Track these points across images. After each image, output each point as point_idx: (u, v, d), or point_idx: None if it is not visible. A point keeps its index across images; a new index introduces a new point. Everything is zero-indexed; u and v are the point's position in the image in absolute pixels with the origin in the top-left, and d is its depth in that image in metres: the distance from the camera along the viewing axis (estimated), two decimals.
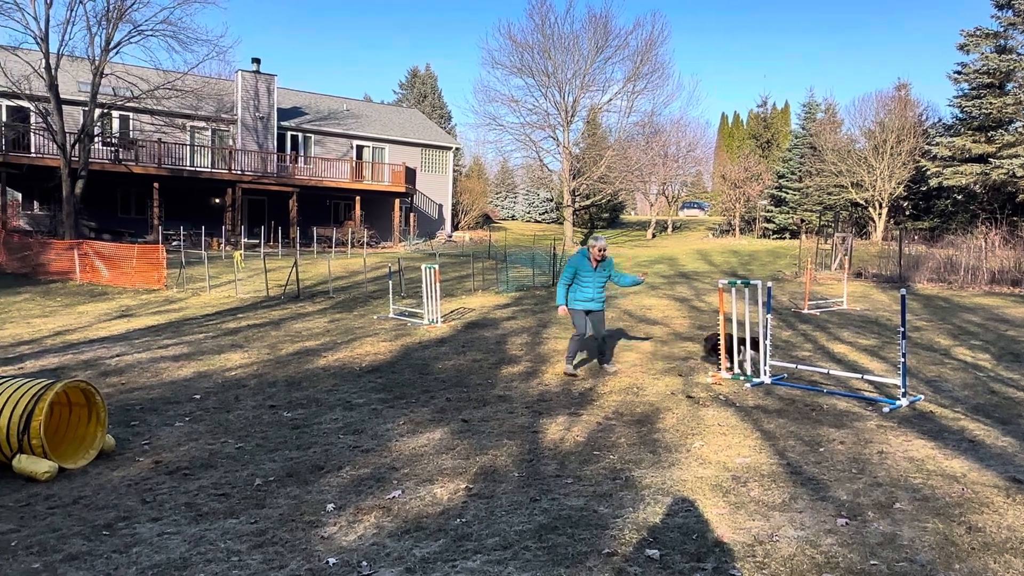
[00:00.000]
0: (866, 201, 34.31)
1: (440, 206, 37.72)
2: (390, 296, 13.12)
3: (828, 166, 34.95)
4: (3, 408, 4.69)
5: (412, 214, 35.06)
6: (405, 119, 40.03)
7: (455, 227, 39.91)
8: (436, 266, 11.42)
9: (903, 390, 6.33)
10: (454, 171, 40.02)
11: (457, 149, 42.86)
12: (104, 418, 5.18)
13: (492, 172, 58.28)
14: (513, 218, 52.73)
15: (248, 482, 4.61)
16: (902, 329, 6.38)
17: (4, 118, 25.01)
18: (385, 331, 10.78)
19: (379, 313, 12.68)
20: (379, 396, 6.93)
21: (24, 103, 22.72)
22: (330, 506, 4.18)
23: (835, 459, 4.87)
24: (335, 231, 29.18)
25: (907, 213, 34.99)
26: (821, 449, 5.10)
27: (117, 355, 9.01)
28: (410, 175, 32.70)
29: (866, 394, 6.74)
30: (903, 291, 6.72)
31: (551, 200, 51.14)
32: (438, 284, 11.36)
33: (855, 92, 79.17)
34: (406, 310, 12.57)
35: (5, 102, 24.54)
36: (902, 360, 6.35)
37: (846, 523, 3.77)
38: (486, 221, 46.20)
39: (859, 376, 7.27)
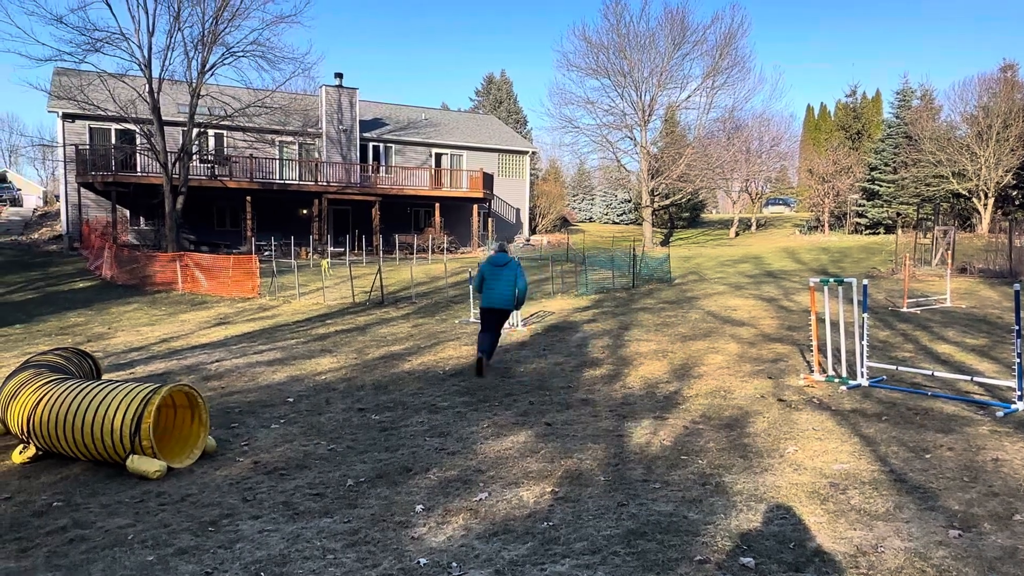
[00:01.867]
0: (969, 191, 32.17)
1: (517, 210, 37.93)
2: (471, 301, 13.28)
3: (926, 156, 32.99)
4: (116, 411, 5.02)
5: (490, 219, 35.41)
6: (481, 125, 40.51)
7: (533, 230, 40.03)
8: None
9: (1019, 393, 5.88)
10: (531, 175, 40.17)
11: (533, 153, 43.00)
12: (206, 420, 5.46)
13: (569, 175, 58.15)
14: (591, 220, 52.40)
15: (341, 483, 4.76)
16: (1017, 327, 5.93)
17: (114, 141, 26.91)
18: (467, 335, 10.92)
19: (460, 318, 12.85)
20: (463, 399, 7.01)
21: (131, 126, 24.37)
22: (419, 507, 4.25)
23: (944, 466, 4.57)
24: (416, 238, 29.83)
25: (1017, 203, 32.56)
26: (927, 456, 4.80)
27: (216, 360, 9.50)
28: (487, 181, 33.05)
29: (976, 397, 6.31)
30: (1017, 286, 6.24)
31: (629, 201, 50.51)
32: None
33: (954, 76, 74.54)
34: None
35: (114, 126, 26.40)
36: (1017, 360, 5.90)
37: (959, 535, 3.53)
38: (563, 224, 46.11)
39: (968, 378, 6.82)
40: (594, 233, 42.93)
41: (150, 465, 4.91)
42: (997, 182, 30.95)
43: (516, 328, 11.16)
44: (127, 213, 27.70)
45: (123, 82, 22.60)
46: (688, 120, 42.69)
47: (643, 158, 37.58)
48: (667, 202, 42.12)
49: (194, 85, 23.08)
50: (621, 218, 51.47)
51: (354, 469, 5.04)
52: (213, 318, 14.13)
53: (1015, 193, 32.43)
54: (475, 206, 33.13)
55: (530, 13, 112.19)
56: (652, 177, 37.83)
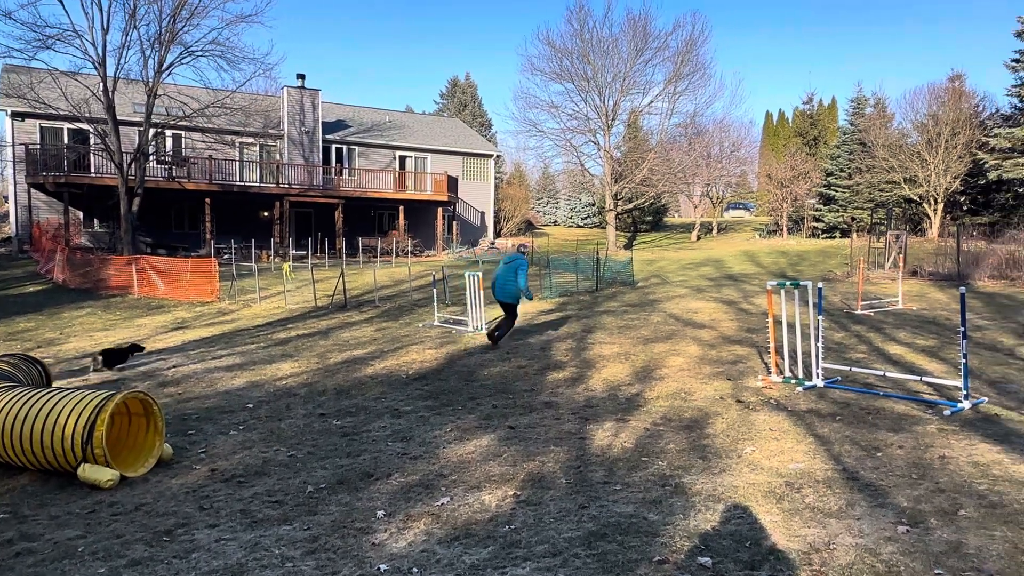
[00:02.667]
0: (920, 197, 33.21)
1: (482, 213, 37.92)
2: (435, 304, 13.24)
3: (879, 162, 33.97)
4: (68, 419, 4.88)
5: (455, 222, 35.33)
6: (446, 128, 40.42)
7: (497, 234, 40.06)
8: (479, 273, 11.48)
9: (965, 392, 6.10)
10: (495, 178, 40.20)
11: (498, 156, 43.07)
12: (162, 427, 5.35)
13: (533, 178, 58.34)
14: (555, 224, 52.65)
15: (300, 489, 4.70)
16: (962, 328, 6.14)
17: (66, 141, 26.14)
18: (431, 339, 10.88)
19: (424, 321, 12.80)
20: (426, 403, 6.99)
21: (84, 126, 23.69)
22: (380, 513, 4.22)
23: (893, 464, 4.71)
24: (380, 241, 29.61)
25: (964, 208, 33.73)
26: (879, 454, 4.94)
27: (174, 366, 9.30)
28: (452, 184, 32.98)
29: (925, 397, 6.51)
30: (962, 289, 6.47)
31: (593, 205, 50.89)
32: (482, 291, 11.42)
33: (905, 85, 76.76)
34: (451, 318, 12.66)
35: (67, 125, 25.63)
36: (963, 361, 6.12)
37: (907, 530, 3.65)
38: (528, 227, 46.25)
39: (917, 378, 7.03)
40: (558, 236, 43.14)
41: (102, 474, 4.78)
42: (946, 188, 32.01)
43: (480, 331, 11.16)
44: (80, 215, 26.93)
45: (76, 80, 21.99)
46: (651, 125, 43.30)
47: (607, 162, 37.92)
48: (630, 206, 42.56)
49: (151, 84, 22.56)
50: (585, 221, 51.84)
51: (314, 475, 4.98)
52: (170, 323, 13.82)
53: (962, 199, 33.58)
54: (439, 209, 33.03)
55: (495, 16, 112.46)
56: (615, 181, 38.19)
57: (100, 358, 9.11)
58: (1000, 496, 4.06)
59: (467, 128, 43.20)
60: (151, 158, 24.68)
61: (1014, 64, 28.85)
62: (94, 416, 4.85)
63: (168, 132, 26.79)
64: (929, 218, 32.96)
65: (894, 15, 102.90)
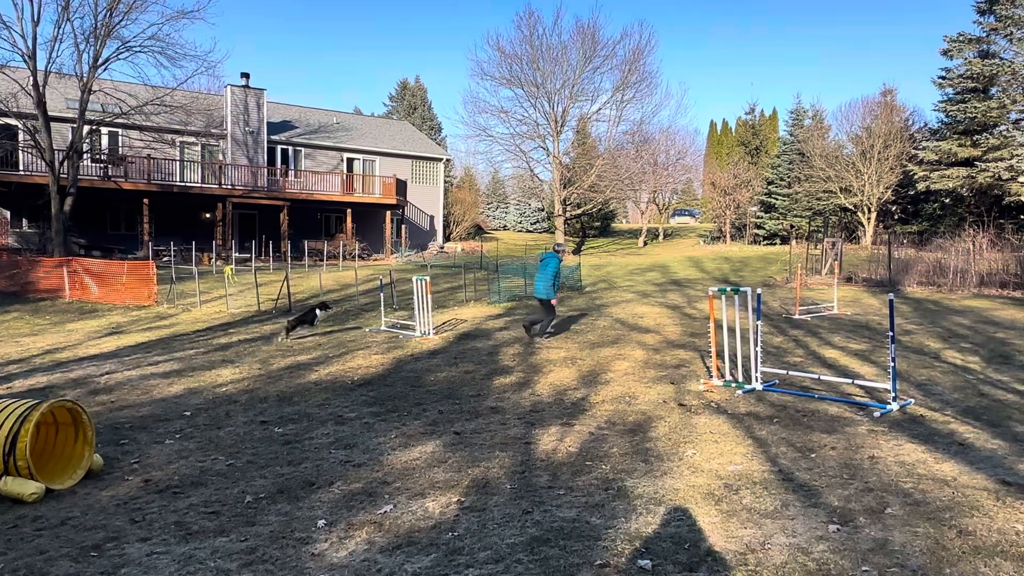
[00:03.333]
0: (855, 206, 34.53)
1: (431, 217, 37.73)
2: (382, 309, 13.10)
3: (817, 172, 35.20)
4: None
5: (403, 226, 35.05)
6: (395, 131, 40.09)
7: (447, 238, 39.91)
8: (427, 278, 11.41)
9: (893, 394, 6.36)
10: (445, 182, 40.07)
11: (448, 160, 42.93)
12: (92, 437, 5.13)
13: (483, 183, 58.35)
14: (505, 228, 52.77)
15: (238, 499, 4.58)
16: (891, 333, 6.41)
17: None
18: (377, 344, 10.76)
19: (371, 326, 12.65)
20: (371, 410, 6.90)
21: (12, 121, 22.64)
22: (321, 522, 4.15)
23: (826, 465, 4.88)
24: (326, 244, 29.14)
25: (896, 217, 35.24)
26: (813, 455, 5.11)
27: (107, 373, 8.95)
28: (401, 187, 32.73)
29: (857, 399, 6.76)
30: (891, 295, 6.76)
31: (542, 210, 51.22)
32: (430, 296, 11.35)
33: (842, 98, 79.88)
34: (398, 322, 12.55)
35: None
36: (892, 364, 6.38)
37: (837, 529, 3.78)
38: (478, 232, 46.23)
39: (850, 381, 7.30)
40: (508, 241, 43.27)
41: (25, 487, 4.56)
42: (879, 198, 33.37)
43: (428, 336, 11.10)
44: (7, 214, 25.72)
45: (3, 73, 20.99)
46: (599, 132, 43.82)
47: (555, 168, 38.24)
48: (579, 211, 43.00)
49: (85, 80, 21.71)
50: (535, 226, 52.12)
51: (253, 485, 4.86)
52: (104, 327, 13.30)
53: (894, 208, 35.07)
54: (388, 212, 32.72)
55: (445, 20, 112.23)
56: (564, 187, 38.53)
57: (288, 325, 10.15)
58: (924, 494, 4.24)
59: (416, 131, 42.96)
60: (85, 156, 23.73)
61: (940, 81, 30.30)
62: (17, 426, 4.63)
63: (104, 130, 25.83)
64: (863, 226, 34.29)
65: (832, 30, 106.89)
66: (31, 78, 20.79)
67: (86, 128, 22.55)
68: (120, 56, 22.34)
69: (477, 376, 8.36)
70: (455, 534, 3.91)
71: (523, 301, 16.17)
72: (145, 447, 5.82)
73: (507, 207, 54.39)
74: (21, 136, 23.88)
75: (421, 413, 6.72)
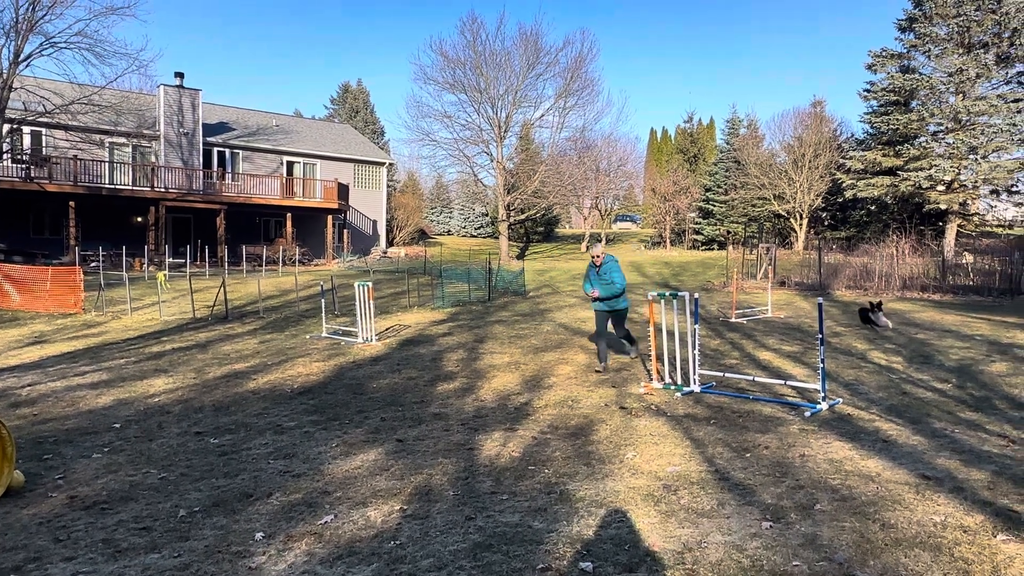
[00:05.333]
0: (788, 212, 35.82)
1: (374, 222, 37.32)
2: (323, 315, 12.88)
3: (752, 179, 36.38)
4: None
5: (346, 230, 34.55)
6: (337, 135, 39.52)
7: (390, 243, 39.54)
8: (370, 283, 11.29)
9: (823, 394, 6.62)
10: (388, 186, 39.72)
11: (391, 164, 42.57)
12: (12, 453, 4.88)
13: (427, 187, 58.09)
14: (449, 233, 52.64)
15: (171, 514, 4.43)
16: (820, 335, 6.67)
17: None
18: (318, 351, 10.57)
19: (312, 332, 12.42)
20: (311, 418, 6.78)
21: None
22: (259, 535, 4.05)
23: (760, 464, 5.04)
24: (265, 249, 28.46)
25: (826, 223, 36.71)
26: (747, 455, 5.27)
27: (29, 384, 8.52)
28: (343, 191, 32.26)
29: (790, 399, 7.01)
30: (820, 300, 7.04)
31: (486, 215, 51.31)
32: (372, 301, 11.23)
33: (775, 108, 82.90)
34: (340, 329, 12.36)
35: None
36: (821, 365, 6.64)
37: (770, 526, 3.91)
38: (421, 236, 45.95)
39: (783, 382, 7.56)
40: (452, 246, 43.15)
41: None
42: (810, 204, 34.71)
43: (370, 342, 10.96)
44: None
45: None
46: (542, 138, 44.26)
47: (499, 173, 38.38)
48: (523, 217, 43.26)
49: (5, 76, 20.67)
50: (479, 231, 52.15)
51: (187, 498, 4.71)
52: (26, 336, 12.66)
53: (824, 215, 36.54)
54: (330, 217, 32.20)
55: (388, 22, 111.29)
56: (508, 192, 38.71)
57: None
58: (850, 490, 4.43)
59: (359, 135, 42.45)
60: (6, 156, 22.56)
61: (866, 94, 31.77)
62: None
63: (26, 128, 24.62)
64: (796, 232, 35.59)
65: (767, 41, 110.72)
66: None
67: (6, 127, 21.44)
68: (44, 52, 21.39)
69: (420, 382, 8.31)
70: (397, 543, 3.88)
71: (467, 306, 16.15)
72: (71, 462, 5.57)
73: (451, 212, 54.28)
74: None
75: (363, 421, 6.63)
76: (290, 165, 33.82)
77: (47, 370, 9.50)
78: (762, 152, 38.95)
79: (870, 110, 32.31)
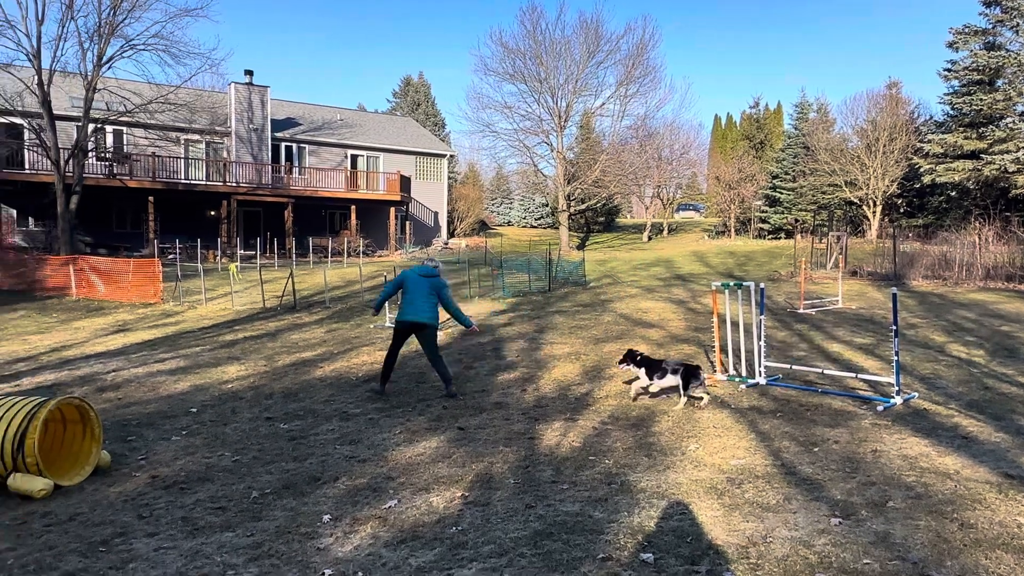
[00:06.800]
0: (860, 199, 34.42)
1: (435, 213, 37.76)
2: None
3: (822, 165, 35.08)
4: None
5: (408, 222, 35.09)
6: (399, 128, 40.10)
7: (451, 234, 39.95)
8: None
9: (897, 388, 6.36)
10: (449, 178, 40.10)
11: (452, 156, 42.94)
12: (99, 434, 5.18)
13: (487, 178, 58.36)
14: (509, 224, 52.77)
15: (244, 495, 4.62)
16: (895, 327, 6.41)
17: None
18: (382, 340, 10.79)
19: (376, 322, 12.69)
20: (375, 406, 6.94)
21: (17, 120, 22.74)
22: (326, 517, 4.18)
23: (829, 459, 4.89)
24: (331, 241, 29.20)
25: (901, 211, 35.11)
26: (816, 449, 5.12)
27: (113, 370, 9.01)
28: (405, 183, 32.74)
29: (861, 393, 6.76)
30: (895, 290, 6.75)
31: (546, 205, 51.19)
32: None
33: (846, 91, 79.57)
34: None
35: None
36: (895, 358, 6.38)
37: (839, 522, 3.79)
38: (482, 227, 46.25)
39: (854, 375, 7.30)
40: (512, 237, 43.26)
41: (34, 484, 4.61)
42: (884, 191, 33.25)
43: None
44: (14, 213, 25.83)
45: (9, 73, 21.09)
46: (603, 127, 43.75)
47: (559, 163, 38.20)
48: (583, 207, 42.96)
49: (90, 78, 21.78)
50: (539, 222, 52.10)
51: (259, 480, 4.90)
52: (111, 325, 13.38)
53: (899, 201, 34.94)
54: (392, 209, 32.75)
55: (449, 16, 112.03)
56: (568, 182, 38.50)
57: None
58: (926, 488, 4.25)
59: (420, 127, 42.96)
60: (90, 155, 23.82)
61: (946, 73, 30.14)
62: (26, 424, 4.67)
63: (109, 128, 25.91)
64: (868, 220, 34.19)
65: (838, 23, 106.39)
66: (36, 77, 20.86)
67: (91, 126, 22.63)
68: (124, 54, 22.43)
69: (481, 372, 8.38)
70: (459, 528, 3.94)
71: (527, 296, 16.19)
72: (152, 444, 5.87)
73: (511, 203, 54.38)
74: (27, 135, 23.98)
75: (425, 409, 6.75)
76: (354, 158, 34.53)
77: (130, 357, 10.02)
78: (833, 137, 37.48)
79: (951, 90, 30.64)
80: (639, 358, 6.70)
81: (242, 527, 4.09)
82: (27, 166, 24.42)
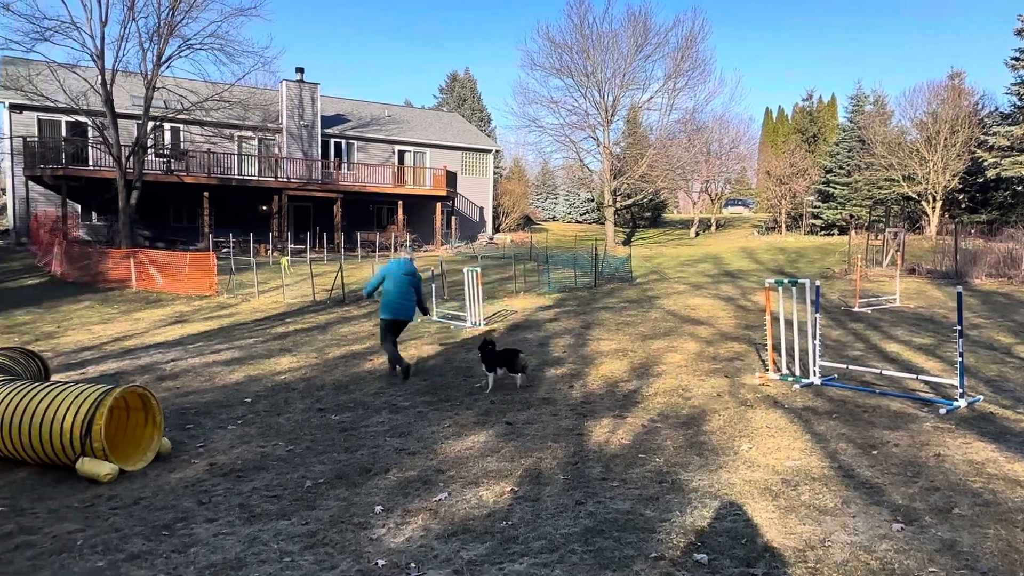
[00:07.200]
0: (919, 195, 33.24)
1: (481, 208, 37.90)
2: (433, 299, 13.24)
3: (878, 159, 33.98)
4: (67, 413, 4.89)
5: (453, 217, 35.30)
6: (445, 123, 40.35)
7: (496, 229, 40.05)
8: (478, 268, 11.48)
9: (961, 390, 6.12)
10: (494, 173, 40.18)
11: (497, 152, 43.01)
12: (160, 421, 5.36)
13: (532, 173, 58.28)
14: (554, 219, 52.62)
15: (299, 484, 4.71)
16: (959, 327, 6.16)
17: (64, 133, 26.07)
18: (429, 334, 10.89)
19: (423, 316, 12.79)
20: (424, 399, 7.00)
21: (82, 118, 23.63)
22: (378, 508, 4.24)
23: (889, 462, 4.73)
24: (378, 235, 29.58)
25: (963, 206, 33.76)
26: (874, 452, 4.97)
27: (172, 360, 9.31)
28: (451, 179, 32.94)
29: (922, 395, 6.54)
30: (959, 288, 6.49)
31: (592, 200, 50.87)
32: (480, 287, 11.42)
33: (905, 83, 76.85)
34: (449, 313, 12.67)
35: (65, 118, 25.58)
36: (959, 359, 6.14)
37: (902, 528, 3.67)
38: (527, 223, 46.23)
39: (914, 376, 7.05)
40: (557, 232, 43.14)
41: (101, 468, 4.79)
42: (944, 186, 32.02)
43: (479, 327, 11.17)
44: (78, 208, 26.88)
45: (74, 73, 21.91)
46: (650, 121, 43.21)
47: (606, 158, 37.90)
48: (629, 202, 42.56)
49: (149, 77, 22.50)
50: (584, 217, 51.82)
51: (312, 470, 4.99)
52: (169, 316, 13.82)
53: (961, 197, 33.60)
54: (438, 204, 32.99)
55: (494, 11, 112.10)
56: (614, 177, 38.17)
57: None
58: (994, 495, 4.08)
59: (466, 123, 43.14)
60: (149, 151, 24.63)
61: (1014, 62, 28.85)
62: (93, 410, 4.86)
63: (166, 125, 26.73)
64: (927, 216, 33.00)
65: (894, 12, 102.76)
66: (99, 77, 21.65)
67: (150, 124, 23.38)
68: (182, 54, 23.07)
69: (528, 367, 8.37)
70: (509, 523, 3.94)
71: (573, 292, 16.13)
72: (209, 432, 6.04)
73: (556, 198, 54.20)
74: (90, 133, 24.91)
75: (473, 403, 6.78)
76: (401, 154, 34.89)
77: (187, 347, 10.33)
78: (890, 130, 36.24)
79: (1019, 80, 29.32)
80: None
81: (297, 515, 4.17)
82: (91, 163, 25.37)
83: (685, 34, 38.45)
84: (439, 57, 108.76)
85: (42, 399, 5.04)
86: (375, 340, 10.58)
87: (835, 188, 37.86)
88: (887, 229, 22.97)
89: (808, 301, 7.61)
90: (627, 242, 39.04)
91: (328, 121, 33.00)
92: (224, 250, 25.63)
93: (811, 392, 6.76)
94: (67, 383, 5.46)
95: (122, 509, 4.35)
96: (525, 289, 16.71)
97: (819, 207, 38.98)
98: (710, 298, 14.43)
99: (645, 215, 50.14)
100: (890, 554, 3.38)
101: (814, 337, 7.15)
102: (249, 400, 7.14)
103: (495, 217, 40.20)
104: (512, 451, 5.27)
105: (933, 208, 32.59)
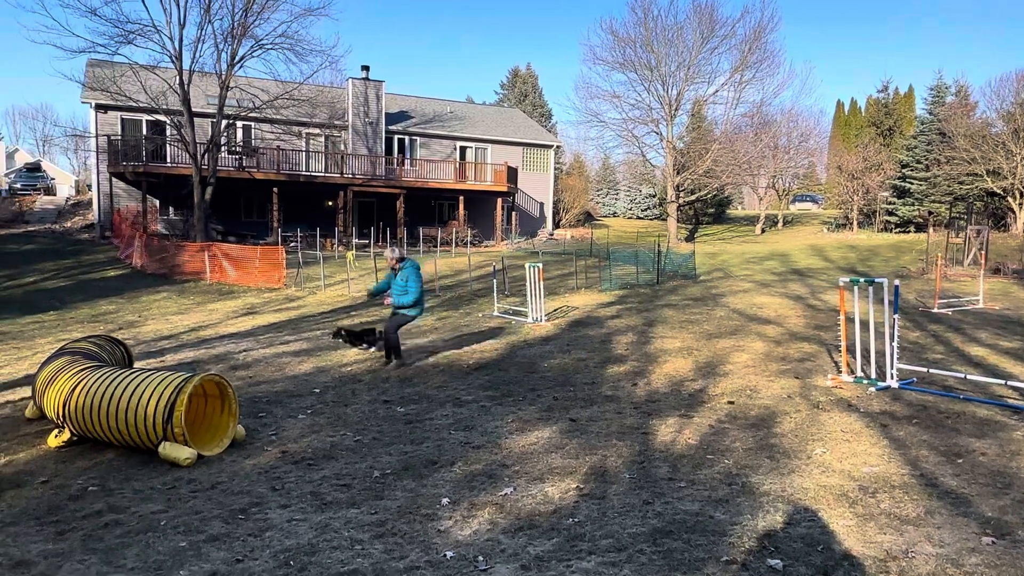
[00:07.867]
0: (1004, 190, 31.47)
1: (541, 204, 37.85)
2: (494, 294, 13.30)
3: (959, 153, 32.32)
4: (150, 399, 5.12)
5: (514, 213, 35.37)
6: (506, 119, 40.44)
7: (556, 225, 39.92)
8: (540, 264, 11.47)
9: None
10: (555, 169, 40.05)
11: (558, 147, 42.85)
12: (236, 409, 5.55)
13: (593, 169, 57.81)
14: (614, 215, 52.08)
15: (367, 474, 4.81)
16: None
17: (145, 132, 27.33)
18: (490, 329, 10.94)
19: (484, 311, 12.88)
20: (487, 393, 7.04)
21: (161, 117, 24.71)
22: (445, 500, 4.28)
23: (976, 471, 4.50)
24: (440, 231, 29.91)
25: None
26: (960, 460, 4.73)
27: (244, 350, 9.63)
28: (512, 174, 33.00)
29: (1011, 402, 6.18)
30: None
31: (654, 196, 50.15)
32: (542, 282, 11.41)
33: (991, 72, 72.70)
34: (511, 308, 12.71)
35: (145, 117, 26.79)
36: None
37: (992, 542, 3.48)
38: (587, 218, 45.92)
39: (1002, 382, 6.68)
40: (618, 228, 42.71)
41: (181, 452, 5.00)
42: None
43: (540, 323, 11.17)
44: (157, 203, 28.13)
45: (154, 74, 22.92)
46: (715, 115, 42.28)
47: (669, 153, 37.27)
48: (692, 198, 41.75)
49: (223, 77, 23.33)
50: (645, 213, 51.13)
51: (380, 461, 5.08)
52: (240, 308, 14.32)
53: None
54: (499, 200, 33.11)
55: (557, 6, 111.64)
56: (677, 172, 37.51)
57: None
58: None
59: (527, 119, 43.13)
60: (223, 149, 25.55)
61: None
62: (174, 397, 5.07)
63: (239, 123, 27.67)
64: (1013, 212, 31.24)
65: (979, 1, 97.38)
66: (177, 77, 22.60)
67: (224, 122, 24.25)
68: (254, 54, 23.84)
69: (590, 364, 8.32)
70: (575, 520, 3.92)
71: (635, 289, 15.94)
72: (281, 420, 6.23)
73: (617, 194, 53.64)
74: (169, 131, 26.02)
75: (536, 399, 6.78)
76: (463, 150, 35.16)
77: (258, 338, 10.68)
78: (973, 122, 34.39)
79: None
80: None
81: (366, 504, 4.26)
82: (169, 160, 26.51)
83: (753, 25, 37.41)
84: (501, 53, 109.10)
85: (127, 386, 5.29)
86: (437, 334, 10.70)
87: (912, 183, 36.22)
88: (969, 226, 21.84)
89: (886, 301, 7.31)
90: (690, 238, 38.35)
91: (392, 118, 33.53)
92: (292, 244, 26.39)
93: (888, 396, 6.49)
94: (149, 370, 5.72)
95: (201, 492, 4.52)
96: (586, 286, 16.61)
97: (894, 203, 37.36)
98: (778, 297, 14.03)
99: (708, 211, 49.11)
100: (981, 568, 3.21)
101: (893, 339, 6.85)
102: (318, 390, 7.32)
103: (555, 213, 40.08)
104: (576, 448, 5.25)
105: (1020, 204, 30.80)
